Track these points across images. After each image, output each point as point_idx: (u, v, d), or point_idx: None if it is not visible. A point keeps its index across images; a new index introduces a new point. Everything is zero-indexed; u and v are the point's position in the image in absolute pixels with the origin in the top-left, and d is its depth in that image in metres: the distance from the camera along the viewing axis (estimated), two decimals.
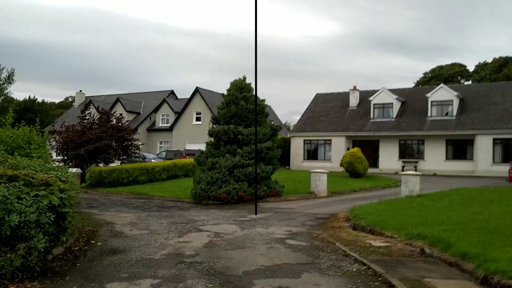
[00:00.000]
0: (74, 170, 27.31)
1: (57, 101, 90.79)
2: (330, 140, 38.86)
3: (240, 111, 19.22)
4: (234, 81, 20.18)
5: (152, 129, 50.08)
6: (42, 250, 5.58)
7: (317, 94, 45.32)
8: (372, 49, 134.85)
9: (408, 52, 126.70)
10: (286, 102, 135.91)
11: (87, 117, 30.03)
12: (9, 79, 17.57)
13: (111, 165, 29.93)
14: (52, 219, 5.74)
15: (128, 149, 30.21)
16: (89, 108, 31.62)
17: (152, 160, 35.11)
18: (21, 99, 76.09)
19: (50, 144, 21.08)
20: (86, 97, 58.84)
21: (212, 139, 20.08)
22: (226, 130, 18.88)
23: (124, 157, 30.64)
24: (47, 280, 5.88)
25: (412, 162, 35.91)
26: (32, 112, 72.65)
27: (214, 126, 19.98)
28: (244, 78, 20.25)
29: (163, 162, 30.68)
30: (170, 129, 47.42)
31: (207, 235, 10.30)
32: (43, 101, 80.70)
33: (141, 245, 8.94)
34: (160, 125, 49.67)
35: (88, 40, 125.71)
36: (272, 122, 20.83)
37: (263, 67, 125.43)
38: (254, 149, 18.51)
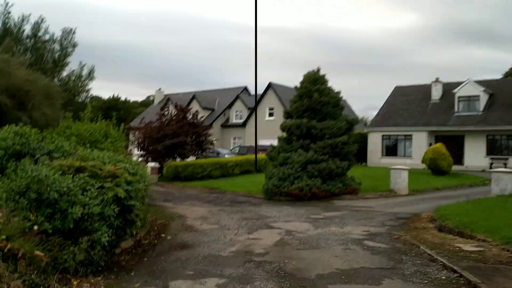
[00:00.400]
0: (152, 164, 28.27)
1: (140, 99, 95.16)
2: (411, 135, 36.77)
3: (313, 104, 18.52)
4: (307, 73, 19.50)
5: (226, 125, 50.64)
6: (106, 244, 5.38)
7: (396, 87, 43.17)
8: (454, 40, 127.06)
9: (494, 43, 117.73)
10: (363, 97, 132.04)
11: (165, 114, 30.89)
12: (90, 75, 18.57)
13: (187, 160, 30.54)
14: (117, 212, 5.53)
15: (202, 145, 30.65)
16: (168, 105, 32.35)
17: (226, 156, 35.36)
18: (106, 98, 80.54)
19: (129, 139, 21.77)
20: (165, 95, 60.79)
21: (284, 133, 19.57)
22: (298, 124, 18.27)
23: (199, 152, 31.09)
24: (112, 275, 5.69)
25: (501, 159, 32.91)
26: (116, 110, 76.47)
27: (286, 120, 19.45)
28: (318, 69, 19.50)
29: (236, 157, 30.73)
30: (244, 125, 47.62)
31: (278, 232, 9.80)
32: (126, 99, 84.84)
33: (210, 241, 8.65)
34: (234, 121, 50.06)
35: (168, 40, 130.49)
36: (348, 116, 19.90)
37: (338, 61, 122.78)
38: (328, 144, 17.73)
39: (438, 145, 28.78)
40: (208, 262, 6.91)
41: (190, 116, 30.99)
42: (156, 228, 9.59)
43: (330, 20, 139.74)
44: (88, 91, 19.16)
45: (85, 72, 19.17)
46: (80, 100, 18.15)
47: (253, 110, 47.14)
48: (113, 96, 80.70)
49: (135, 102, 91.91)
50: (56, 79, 16.48)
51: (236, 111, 50.10)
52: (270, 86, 45.75)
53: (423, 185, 22.04)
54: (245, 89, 55.10)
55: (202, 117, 36.40)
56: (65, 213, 5.06)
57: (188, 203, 15.92)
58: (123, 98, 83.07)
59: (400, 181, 19.35)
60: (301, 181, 17.43)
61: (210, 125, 49.82)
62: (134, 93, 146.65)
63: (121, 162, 7.33)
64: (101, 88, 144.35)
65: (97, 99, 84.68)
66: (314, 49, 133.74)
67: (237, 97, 49.95)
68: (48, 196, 5.04)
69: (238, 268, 6.62)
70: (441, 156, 27.71)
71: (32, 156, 6.42)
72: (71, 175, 5.58)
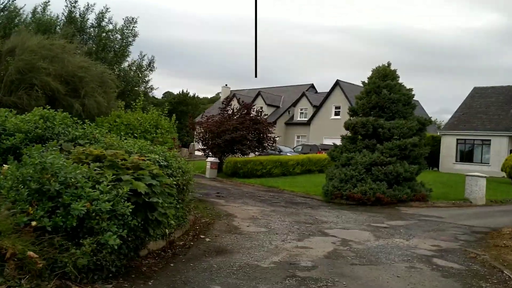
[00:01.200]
0: (212, 159, 27.89)
1: (209, 96, 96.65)
2: (489, 140, 33.59)
3: (381, 101, 16.97)
4: (376, 67, 17.96)
5: (290, 123, 49.57)
6: (116, 247, 4.55)
7: (474, 88, 39.78)
8: None
9: None
10: (437, 99, 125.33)
11: (227, 109, 30.40)
12: (150, 66, 18.41)
13: (247, 156, 29.85)
14: (131, 210, 4.70)
15: (264, 142, 29.80)
16: (232, 101, 31.65)
17: (288, 154, 34.28)
18: (175, 93, 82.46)
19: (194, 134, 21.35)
20: (231, 91, 60.74)
21: (348, 132, 18.17)
22: (364, 122, 16.82)
23: (260, 149, 30.26)
24: (126, 283, 4.88)
25: None
26: (184, 105, 78.26)
27: (351, 118, 18.03)
28: (389, 64, 17.90)
29: (297, 156, 29.60)
30: (308, 123, 46.30)
31: (332, 241, 8.62)
32: (194, 95, 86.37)
33: (253, 246, 7.67)
34: (298, 119, 48.86)
35: (238, 39, 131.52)
36: (420, 116, 18.08)
37: (411, 62, 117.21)
38: (396, 145, 16.15)
39: None
40: (242, 274, 5.91)
41: (253, 112, 30.22)
42: (197, 227, 8.79)
43: (405, 19, 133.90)
44: (147, 81, 19.06)
45: (145, 62, 19.14)
46: (140, 90, 18.08)
47: (318, 108, 45.72)
48: (182, 91, 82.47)
49: (204, 99, 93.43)
50: (116, 69, 16.38)
51: (301, 109, 48.84)
52: (337, 83, 44.03)
53: (503, 195, 19.70)
54: (312, 86, 53.69)
55: (265, 114, 35.59)
56: (68, 208, 4.29)
57: (241, 201, 15.08)
58: (191, 94, 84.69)
59: (477, 189, 17.30)
60: (365, 184, 16.02)
61: (274, 123, 48.96)
62: (205, 90, 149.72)
63: (153, 154, 6.54)
64: (173, 85, 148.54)
65: (169, 94, 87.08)
66: (386, 49, 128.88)
67: (302, 95, 48.69)
68: (49, 187, 4.31)
69: (275, 284, 5.57)
70: None
71: (56, 142, 5.78)
72: (83, 165, 4.84)
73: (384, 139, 16.62)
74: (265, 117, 31.83)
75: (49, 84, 11.18)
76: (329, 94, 45.11)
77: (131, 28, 17.22)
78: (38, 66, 11.14)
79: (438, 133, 37.86)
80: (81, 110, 11.74)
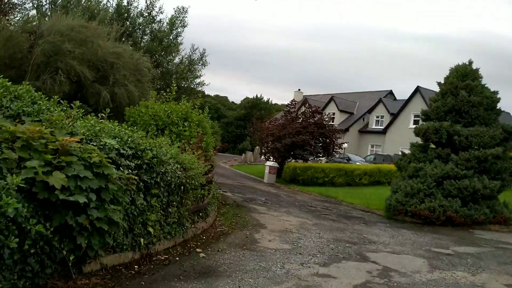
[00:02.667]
0: (271, 163, 26.46)
1: (285, 102, 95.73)
2: None
3: (459, 104, 14.50)
4: (455, 66, 15.49)
5: (364, 131, 46.74)
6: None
7: None
8: None
9: None
10: None
11: (291, 112, 28.87)
12: (202, 60, 17.37)
13: (310, 163, 28.06)
14: (38, 211, 3.36)
15: (329, 148, 27.82)
16: (303, 105, 29.66)
17: (357, 163, 31.92)
18: (250, 97, 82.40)
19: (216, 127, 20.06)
20: (303, 96, 59.10)
21: (419, 139, 15.85)
22: (437, 128, 14.46)
23: (325, 155, 28.29)
24: None
25: None
26: (258, 110, 77.84)
27: (423, 123, 15.70)
28: (470, 62, 15.35)
29: (365, 165, 27.25)
30: (384, 131, 43.24)
31: (368, 269, 6.74)
32: (268, 99, 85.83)
33: (256, 269, 6.05)
34: (373, 127, 45.89)
35: (320, 47, 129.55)
36: (506, 124, 15.24)
37: (500, 72, 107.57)
38: (475, 156, 13.65)
39: None
40: None
41: (318, 116, 28.37)
42: (204, 237, 7.36)
43: (494, 28, 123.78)
44: (199, 76, 18.00)
45: (196, 56, 18.16)
46: (191, 86, 17.12)
47: (395, 116, 42.58)
48: (256, 96, 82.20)
49: (281, 105, 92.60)
50: (165, 61, 15.59)
51: (377, 116, 45.86)
52: (417, 90, 40.62)
53: None
54: (390, 93, 50.39)
55: (331, 121, 33.56)
56: None
57: (285, 210, 13.46)
58: (266, 99, 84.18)
59: None
60: (434, 200, 13.70)
61: (347, 130, 46.59)
62: (281, 97, 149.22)
63: (112, 138, 5.00)
64: (251, 90, 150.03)
65: (246, 99, 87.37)
66: (474, 58, 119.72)
67: (379, 101, 45.71)
68: None
69: None
70: None
71: None
72: None
73: (460, 149, 14.16)
74: (331, 122, 29.82)
75: (74, 68, 10.42)
76: (408, 101, 41.79)
77: (181, 18, 16.38)
78: (63, 49, 10.47)
79: None
80: (109, 99, 10.87)
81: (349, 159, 34.49)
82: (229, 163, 38.09)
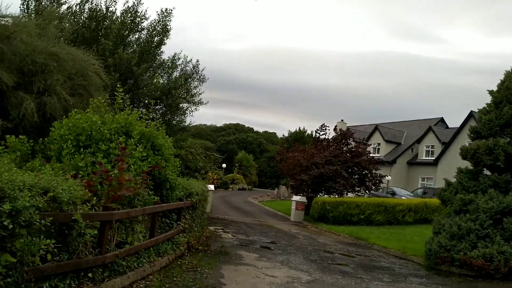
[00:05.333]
0: (298, 198, 23.08)
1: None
2: None
3: None
4: (511, 69, 11.95)
5: (413, 162, 42.22)
6: None
7: None
8: None
9: None
10: None
11: (320, 139, 25.68)
12: (198, 73, 14.41)
13: (345, 197, 24.48)
14: None
15: (366, 180, 24.17)
16: (347, 137, 25.89)
17: (403, 197, 27.90)
18: (292, 130, 79.58)
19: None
20: (347, 127, 55.42)
21: (467, 163, 12.24)
22: (491, 146, 10.88)
23: (362, 188, 24.60)
24: None
25: None
26: (302, 143, 74.78)
27: (472, 142, 12.14)
28: None
29: (410, 200, 23.33)
30: (435, 162, 38.66)
31: None
32: (312, 132, 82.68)
33: None
34: (423, 157, 41.32)
35: (374, 82, 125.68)
36: None
37: None
38: None
39: None
40: None
41: (353, 143, 24.95)
42: None
43: None
44: (193, 94, 14.62)
45: (188, 69, 15.01)
46: (180, 103, 14.10)
47: (447, 146, 38.10)
48: (299, 128, 79.11)
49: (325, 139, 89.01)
50: (138, 70, 12.83)
51: (427, 146, 41.41)
52: (471, 115, 36.11)
53: None
54: (441, 120, 45.82)
55: (376, 152, 29.89)
56: None
57: (284, 258, 10.23)
58: (309, 132, 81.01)
59: None
60: (491, 244, 10.05)
61: (394, 161, 42.35)
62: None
63: None
64: (301, 126, 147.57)
65: (292, 134, 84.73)
66: None
67: (428, 129, 41.36)
68: None
69: None
70: None
71: None
72: None
73: None
74: (377, 153, 26.22)
75: None
76: (461, 128, 37.25)
77: (163, 22, 13.71)
78: None
79: None
80: (34, 110, 8.34)
81: (394, 194, 30.45)
82: (260, 199, 34.99)
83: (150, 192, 7.37)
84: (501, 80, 11.99)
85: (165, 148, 8.23)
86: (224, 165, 53.36)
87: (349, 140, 25.09)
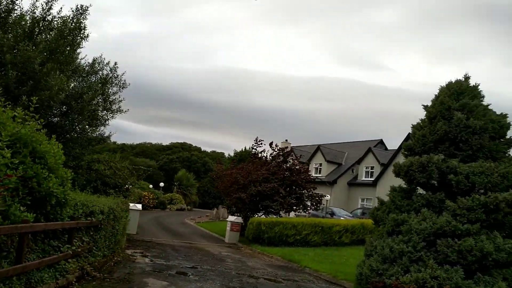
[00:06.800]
0: (233, 218, 21.87)
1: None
2: None
3: (454, 130, 10.40)
4: (447, 83, 11.55)
5: (353, 183, 42.31)
6: None
7: None
8: None
9: None
10: None
11: (257, 155, 24.80)
12: (116, 78, 12.85)
13: (283, 217, 23.59)
14: None
15: (304, 199, 23.41)
16: (288, 155, 25.02)
17: (342, 218, 27.43)
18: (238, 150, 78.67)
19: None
20: (291, 146, 55.19)
21: (402, 182, 11.60)
22: (424, 163, 10.27)
23: (300, 208, 23.81)
24: None
25: None
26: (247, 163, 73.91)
27: (406, 159, 11.52)
28: (466, 78, 11.43)
29: (347, 221, 22.74)
30: (374, 183, 38.87)
31: None
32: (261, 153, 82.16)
33: None
34: (363, 178, 41.51)
35: (322, 105, 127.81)
36: None
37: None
38: (480, 203, 9.36)
39: None
40: None
41: (291, 161, 24.24)
42: None
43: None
44: (111, 102, 12.82)
45: (105, 72, 13.36)
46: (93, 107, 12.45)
47: (386, 167, 38.42)
48: (245, 148, 78.30)
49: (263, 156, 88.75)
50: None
51: (366, 167, 41.68)
52: (409, 137, 36.70)
53: None
54: (381, 142, 46.52)
55: (302, 163, 29.39)
56: None
57: (199, 286, 9.00)
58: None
59: None
60: (424, 268, 9.31)
61: (335, 181, 42.25)
62: None
63: None
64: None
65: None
66: None
67: (368, 151, 41.69)
68: None
69: None
70: None
71: None
72: None
73: (459, 193, 9.89)
74: (318, 173, 25.60)
75: None
76: (399, 149, 37.66)
77: (77, 20, 12.31)
78: None
79: None
80: None
81: (333, 214, 30.04)
82: (197, 220, 33.41)
83: (21, 208, 5.96)
84: (436, 95, 11.56)
85: (50, 156, 6.85)
86: (162, 184, 51.21)
87: (288, 158, 24.36)
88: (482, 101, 10.99)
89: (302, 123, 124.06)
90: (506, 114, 10.92)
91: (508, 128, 10.75)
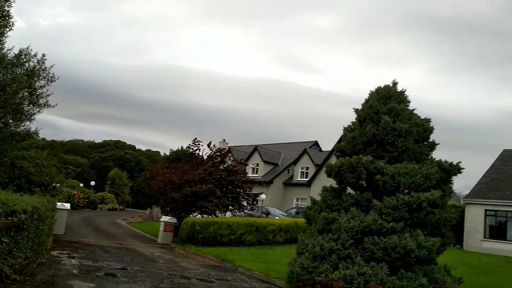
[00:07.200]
0: (167, 218, 21.49)
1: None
2: None
3: (382, 133, 10.89)
4: (376, 88, 12.07)
5: (289, 183, 43.13)
6: None
7: (504, 151, 33.27)
8: None
9: None
10: (459, 177, 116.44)
11: (194, 155, 24.59)
12: (44, 70, 11.88)
13: (218, 217, 23.51)
14: None
15: (239, 199, 23.48)
16: (225, 155, 24.80)
17: (277, 217, 27.79)
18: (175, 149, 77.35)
19: None
20: (229, 146, 55.17)
21: (333, 181, 11.95)
22: (353, 164, 10.65)
23: (236, 208, 23.84)
24: None
25: None
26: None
27: (337, 160, 11.89)
28: (394, 83, 12.00)
29: (282, 220, 23.10)
30: (309, 183, 39.85)
31: None
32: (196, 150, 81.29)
33: None
34: (298, 178, 42.44)
35: (259, 106, 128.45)
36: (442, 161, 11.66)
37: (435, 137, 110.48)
38: (404, 202, 9.86)
39: None
40: None
41: (229, 161, 24.23)
42: None
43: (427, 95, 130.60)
44: (37, 96, 12.15)
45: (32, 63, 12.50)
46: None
47: (320, 167, 39.52)
48: (181, 147, 77.23)
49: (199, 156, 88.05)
50: None
51: (302, 168, 42.64)
52: (341, 139, 38.02)
53: None
54: (316, 143, 47.74)
55: (242, 163, 29.56)
56: None
57: (128, 287, 8.69)
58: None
59: None
60: (351, 265, 9.63)
61: (271, 182, 42.80)
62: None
63: None
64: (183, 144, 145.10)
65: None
66: None
67: (304, 152, 42.66)
68: None
69: None
70: None
71: None
72: None
73: (385, 192, 10.36)
74: (255, 174, 25.81)
75: None
76: (333, 151, 38.94)
77: (1, 8, 11.54)
78: None
79: (462, 202, 31.12)
80: None
81: (268, 213, 30.34)
82: (130, 220, 32.53)
83: None
84: (366, 99, 12.03)
85: None
86: (93, 183, 49.27)
87: (226, 158, 24.32)
88: (408, 105, 11.60)
89: (242, 123, 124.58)
90: (429, 119, 11.60)
91: (431, 132, 11.42)
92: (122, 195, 48.80)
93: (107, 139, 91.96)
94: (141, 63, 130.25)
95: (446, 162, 10.97)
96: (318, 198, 12.08)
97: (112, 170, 52.80)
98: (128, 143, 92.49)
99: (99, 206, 41.73)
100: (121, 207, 46.35)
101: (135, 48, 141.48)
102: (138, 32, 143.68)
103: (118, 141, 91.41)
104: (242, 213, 26.59)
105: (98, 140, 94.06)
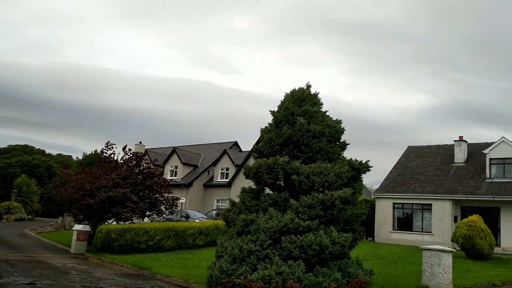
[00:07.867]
0: (80, 227, 20.38)
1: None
2: (430, 204, 28.79)
3: (297, 134, 11.15)
4: (291, 91, 12.34)
5: (209, 185, 42.93)
6: None
7: (409, 147, 35.84)
8: (464, 120, 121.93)
9: (504, 125, 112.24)
10: (371, 172, 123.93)
11: (107, 159, 23.59)
12: None
13: (135, 223, 22.75)
14: None
15: (158, 204, 22.90)
16: (141, 158, 23.89)
17: (197, 220, 27.49)
18: (88, 153, 73.67)
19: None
20: (145, 149, 53.68)
21: (252, 183, 12.03)
22: (271, 165, 10.79)
23: (154, 213, 23.19)
24: None
25: None
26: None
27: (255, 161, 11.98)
28: (308, 86, 12.35)
29: (201, 223, 22.89)
30: (229, 184, 39.97)
31: None
32: (110, 155, 78.00)
33: None
34: (219, 180, 42.41)
35: (177, 107, 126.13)
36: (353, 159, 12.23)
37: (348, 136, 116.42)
38: (319, 200, 10.16)
39: (475, 217, 21.15)
40: None
41: (145, 165, 23.54)
42: None
43: (341, 94, 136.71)
44: None
45: None
46: None
47: (240, 168, 39.80)
48: (95, 151, 73.74)
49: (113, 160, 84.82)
50: None
51: (222, 169, 42.65)
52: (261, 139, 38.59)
53: (468, 278, 13.98)
54: (235, 144, 47.99)
55: (158, 167, 29.07)
56: None
57: None
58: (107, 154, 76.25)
59: (441, 271, 11.54)
60: (270, 265, 9.72)
61: (190, 184, 42.32)
62: None
63: None
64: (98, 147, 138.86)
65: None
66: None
67: (224, 152, 42.71)
68: None
69: None
70: (480, 234, 20.17)
71: None
72: None
73: (301, 192, 10.62)
74: (174, 176, 25.26)
75: None
76: (252, 151, 39.45)
77: None
78: None
79: (372, 197, 32.97)
80: None
81: (188, 217, 29.95)
82: (39, 230, 30.43)
83: None
84: (281, 101, 12.26)
85: None
86: None
87: (142, 161, 23.58)
88: (321, 107, 11.99)
89: (159, 124, 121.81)
90: (340, 120, 12.09)
91: (342, 133, 11.91)
92: (30, 204, 45.54)
93: (13, 143, 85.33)
94: (50, 63, 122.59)
95: (356, 161, 11.51)
96: (237, 199, 12.10)
97: (19, 177, 49.06)
98: (37, 147, 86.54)
99: (5, 216, 38.62)
100: (30, 216, 43.23)
101: (43, 47, 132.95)
102: (46, 30, 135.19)
103: (26, 146, 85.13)
104: (161, 218, 26.02)
105: (3, 145, 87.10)
